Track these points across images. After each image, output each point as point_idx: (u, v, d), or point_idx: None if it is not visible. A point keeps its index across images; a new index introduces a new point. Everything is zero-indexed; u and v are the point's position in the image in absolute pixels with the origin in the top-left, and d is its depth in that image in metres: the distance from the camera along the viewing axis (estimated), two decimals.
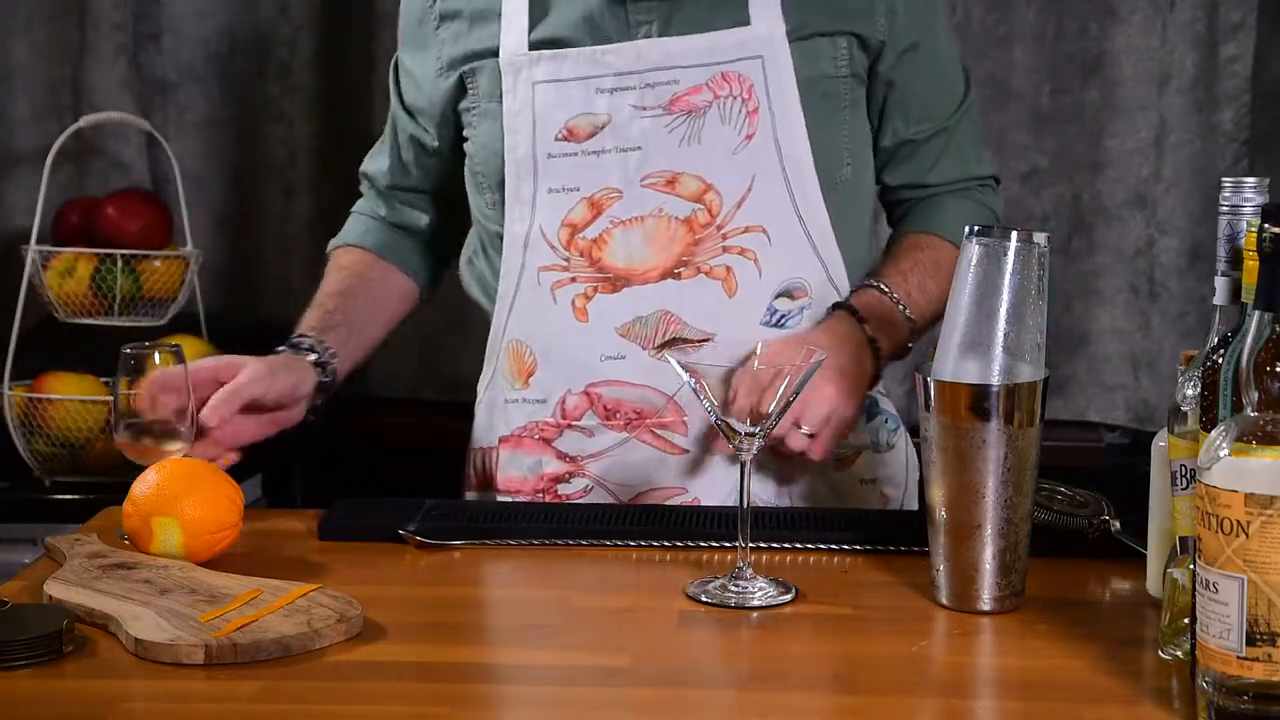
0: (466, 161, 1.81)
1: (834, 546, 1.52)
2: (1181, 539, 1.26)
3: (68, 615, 1.27)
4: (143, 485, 1.46)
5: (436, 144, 1.85)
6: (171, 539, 1.44)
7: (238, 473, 1.54)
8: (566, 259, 1.72)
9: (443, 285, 3.04)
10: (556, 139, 1.71)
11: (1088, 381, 2.82)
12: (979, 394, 1.34)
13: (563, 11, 1.72)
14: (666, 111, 1.69)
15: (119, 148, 2.97)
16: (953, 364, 1.36)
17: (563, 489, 1.75)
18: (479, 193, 1.80)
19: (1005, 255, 1.35)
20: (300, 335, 1.76)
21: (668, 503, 1.70)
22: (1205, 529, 1.07)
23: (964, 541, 1.36)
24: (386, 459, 2.99)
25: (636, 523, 1.59)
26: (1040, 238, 1.36)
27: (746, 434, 1.39)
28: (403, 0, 1.84)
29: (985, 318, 1.35)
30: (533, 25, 1.72)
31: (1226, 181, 1.24)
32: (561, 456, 1.75)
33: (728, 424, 1.39)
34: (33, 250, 2.50)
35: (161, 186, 2.93)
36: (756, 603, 1.38)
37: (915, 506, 1.83)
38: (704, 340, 1.67)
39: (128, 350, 1.58)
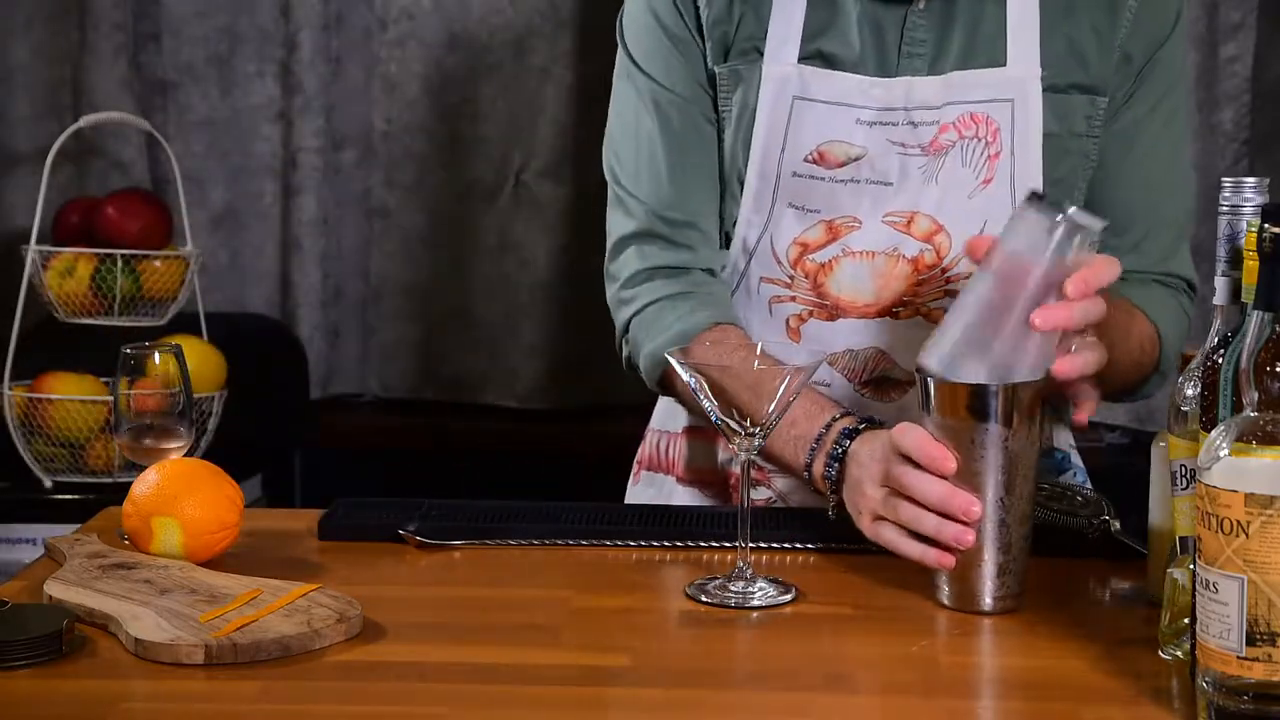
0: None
1: (834, 546, 1.52)
2: (1181, 539, 1.26)
3: (68, 615, 1.26)
4: (143, 485, 1.46)
5: (714, 119, 1.69)
6: (171, 539, 1.44)
7: (237, 473, 1.54)
8: (790, 277, 1.67)
9: (443, 286, 3.06)
10: (805, 159, 1.64)
11: None
12: (978, 394, 1.34)
13: (841, 28, 1.64)
14: (924, 152, 1.62)
15: (119, 148, 2.97)
16: (952, 360, 1.35)
17: None
18: None
19: (1053, 234, 1.31)
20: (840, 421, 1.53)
21: None
22: (1205, 529, 1.07)
23: None
24: (386, 459, 3.00)
25: (636, 523, 1.59)
26: (1096, 222, 1.32)
27: (746, 434, 1.39)
28: None
29: (994, 314, 1.33)
30: (807, 35, 1.64)
31: (1226, 181, 1.24)
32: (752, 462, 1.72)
33: (727, 424, 1.39)
34: (33, 250, 2.50)
35: (161, 186, 2.94)
36: (756, 603, 1.38)
37: None
38: (910, 383, 1.63)
39: (128, 350, 1.58)
